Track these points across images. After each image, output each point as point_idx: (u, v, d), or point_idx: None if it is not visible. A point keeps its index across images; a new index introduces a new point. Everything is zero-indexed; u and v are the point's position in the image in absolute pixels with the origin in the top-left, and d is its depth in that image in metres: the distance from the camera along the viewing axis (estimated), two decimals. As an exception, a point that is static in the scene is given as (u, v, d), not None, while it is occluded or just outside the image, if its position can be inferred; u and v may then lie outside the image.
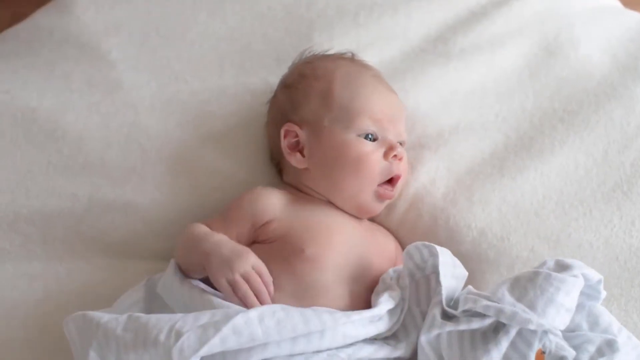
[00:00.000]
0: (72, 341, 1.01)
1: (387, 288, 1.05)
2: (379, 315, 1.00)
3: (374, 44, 1.38)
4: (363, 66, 1.23)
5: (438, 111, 1.32)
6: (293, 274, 1.05)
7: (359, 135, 1.13)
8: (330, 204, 1.15)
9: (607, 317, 1.05)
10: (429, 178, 1.23)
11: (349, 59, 1.24)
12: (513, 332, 0.96)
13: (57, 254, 1.23)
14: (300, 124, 1.15)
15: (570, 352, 0.96)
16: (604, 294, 1.04)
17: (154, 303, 1.10)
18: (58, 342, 1.11)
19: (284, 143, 1.16)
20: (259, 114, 1.29)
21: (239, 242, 1.09)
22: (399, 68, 1.35)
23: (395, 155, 1.14)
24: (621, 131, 1.29)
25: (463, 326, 0.97)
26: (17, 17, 1.59)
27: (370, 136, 1.13)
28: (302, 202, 1.14)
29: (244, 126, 1.30)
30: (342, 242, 1.09)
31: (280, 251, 1.07)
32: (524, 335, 0.96)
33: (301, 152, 1.15)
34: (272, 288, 1.02)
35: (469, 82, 1.35)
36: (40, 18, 1.45)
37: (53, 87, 1.33)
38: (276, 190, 1.16)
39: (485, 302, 0.96)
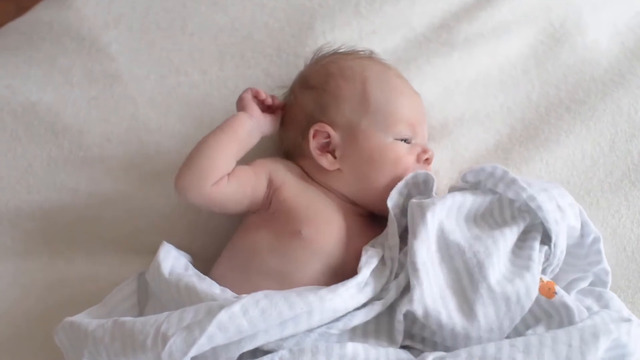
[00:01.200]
0: (64, 350, 1.02)
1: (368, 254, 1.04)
2: (364, 280, 1.00)
3: (376, 33, 1.36)
4: (386, 66, 1.21)
5: (442, 101, 1.30)
6: (285, 254, 1.05)
7: (396, 139, 1.13)
8: (339, 199, 1.14)
9: (618, 302, 1.06)
10: (432, 169, 1.21)
11: (370, 58, 1.22)
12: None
13: (58, 249, 1.22)
14: (332, 126, 1.14)
15: (574, 303, 0.98)
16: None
17: (146, 295, 1.10)
18: (60, 338, 1.12)
19: (314, 144, 1.14)
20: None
21: (256, 195, 1.11)
22: (402, 58, 1.34)
23: (427, 159, 1.15)
24: (629, 120, 1.28)
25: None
26: (22, 10, 1.59)
27: (406, 140, 1.14)
28: (314, 184, 1.14)
29: (246, 118, 1.29)
30: (340, 233, 1.08)
31: (279, 227, 1.07)
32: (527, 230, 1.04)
33: (332, 153, 1.14)
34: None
35: (473, 72, 1.33)
36: (40, 11, 1.44)
37: (53, 81, 1.33)
38: (289, 161, 1.17)
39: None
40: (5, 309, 1.17)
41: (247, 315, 0.92)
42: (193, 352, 0.89)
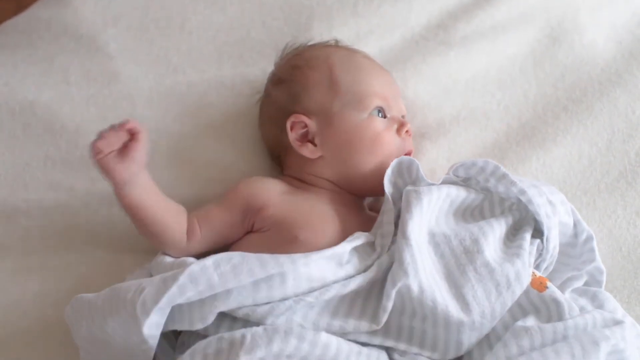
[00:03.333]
0: (70, 325, 1.03)
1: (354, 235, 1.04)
2: (343, 253, 0.99)
3: (374, 32, 1.36)
4: (351, 50, 1.22)
5: (439, 100, 1.31)
6: None
7: (371, 114, 1.13)
8: (330, 192, 1.14)
9: (612, 303, 1.06)
10: (428, 168, 1.22)
11: (335, 46, 1.23)
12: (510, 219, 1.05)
13: (56, 248, 1.22)
14: (306, 115, 1.14)
15: (565, 299, 0.98)
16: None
17: None
18: (57, 336, 1.12)
19: (292, 136, 1.14)
20: (257, 104, 1.28)
21: (235, 231, 1.10)
22: (399, 56, 1.34)
23: (407, 131, 1.14)
24: (626, 119, 1.28)
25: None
26: (22, 8, 1.59)
27: (380, 113, 1.14)
28: (299, 191, 1.14)
29: (243, 117, 1.29)
30: (335, 230, 1.07)
31: (274, 240, 1.06)
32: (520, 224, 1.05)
33: (311, 142, 1.14)
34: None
35: (470, 71, 1.34)
36: (39, 10, 1.44)
37: (51, 79, 1.33)
38: (273, 179, 1.16)
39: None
40: (1, 307, 1.16)
41: (218, 270, 0.92)
42: (164, 301, 0.90)
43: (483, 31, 1.37)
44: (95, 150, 0.96)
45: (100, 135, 0.97)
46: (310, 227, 1.06)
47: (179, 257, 1.07)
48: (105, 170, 0.98)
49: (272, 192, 1.11)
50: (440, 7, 1.39)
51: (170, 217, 1.07)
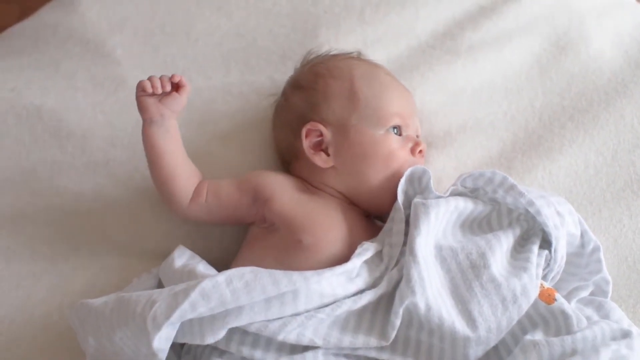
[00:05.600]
0: (76, 331, 1.02)
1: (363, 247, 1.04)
2: (354, 269, 1.00)
3: (380, 40, 1.36)
4: (374, 65, 1.23)
5: (446, 109, 1.31)
6: (290, 265, 1.04)
7: (388, 131, 1.13)
8: (338, 200, 1.14)
9: (618, 313, 1.06)
10: (435, 177, 1.20)
11: (357, 59, 1.24)
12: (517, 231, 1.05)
13: (62, 253, 1.22)
14: (323, 124, 1.14)
15: (574, 312, 0.98)
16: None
17: None
18: (62, 341, 1.12)
19: (307, 143, 1.15)
20: (264, 112, 1.28)
21: (239, 213, 1.14)
22: (406, 65, 1.34)
23: (420, 151, 1.15)
24: (632, 129, 1.28)
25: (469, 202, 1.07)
26: (26, 12, 1.59)
27: (396, 130, 1.14)
28: (308, 192, 1.14)
29: (250, 124, 1.29)
30: (340, 236, 1.08)
31: (279, 243, 1.07)
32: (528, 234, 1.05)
33: (325, 151, 1.14)
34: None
35: (477, 80, 1.34)
36: (45, 15, 1.44)
37: (58, 85, 1.33)
38: (285, 174, 1.17)
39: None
40: (8, 312, 1.16)
41: (230, 286, 0.92)
42: (175, 316, 0.90)
43: (489, 40, 1.37)
44: (139, 88, 1.08)
45: (149, 78, 1.08)
46: (314, 232, 1.06)
47: (191, 253, 1.10)
48: (141, 107, 1.09)
49: (281, 185, 1.13)
50: (446, 16, 1.39)
51: (182, 170, 1.12)
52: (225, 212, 1.14)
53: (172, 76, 1.10)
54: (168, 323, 0.90)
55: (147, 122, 1.10)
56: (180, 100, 1.11)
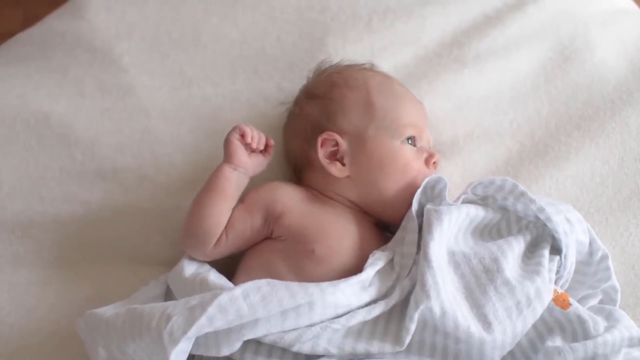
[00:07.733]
0: (85, 340, 1.02)
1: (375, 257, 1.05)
2: (367, 279, 1.00)
3: (387, 49, 1.37)
4: (387, 76, 1.23)
5: (452, 118, 1.31)
6: (300, 273, 1.05)
7: (403, 141, 1.14)
8: (349, 209, 1.14)
9: (627, 321, 1.05)
10: (443, 185, 1.22)
11: (371, 70, 1.24)
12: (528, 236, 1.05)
13: (70, 260, 1.22)
14: (339, 133, 1.15)
15: (590, 316, 0.98)
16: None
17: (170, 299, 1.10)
18: (71, 347, 1.12)
19: (322, 152, 1.15)
20: (272, 119, 1.28)
21: (257, 235, 1.11)
22: (413, 73, 1.35)
23: (434, 162, 1.16)
24: (637, 138, 1.29)
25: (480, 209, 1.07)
26: (29, 17, 1.60)
27: (411, 141, 1.15)
28: (319, 202, 1.14)
29: (258, 132, 1.30)
30: (352, 245, 1.08)
31: (291, 251, 1.07)
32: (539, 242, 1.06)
33: (340, 161, 1.14)
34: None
35: (483, 88, 1.34)
36: (52, 22, 1.45)
37: (65, 92, 1.33)
38: (293, 186, 1.17)
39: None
40: (16, 318, 1.16)
41: (247, 300, 0.92)
42: (193, 331, 0.90)
43: (495, 49, 1.38)
44: (237, 130, 1.12)
45: (249, 127, 1.12)
46: (327, 242, 1.06)
47: (200, 261, 1.10)
48: (231, 150, 1.11)
49: (292, 199, 1.12)
50: (453, 25, 1.40)
51: (220, 218, 1.10)
52: (246, 241, 1.12)
53: (268, 138, 1.14)
54: (185, 338, 0.90)
55: (231, 167, 1.11)
56: (264, 165, 1.16)
